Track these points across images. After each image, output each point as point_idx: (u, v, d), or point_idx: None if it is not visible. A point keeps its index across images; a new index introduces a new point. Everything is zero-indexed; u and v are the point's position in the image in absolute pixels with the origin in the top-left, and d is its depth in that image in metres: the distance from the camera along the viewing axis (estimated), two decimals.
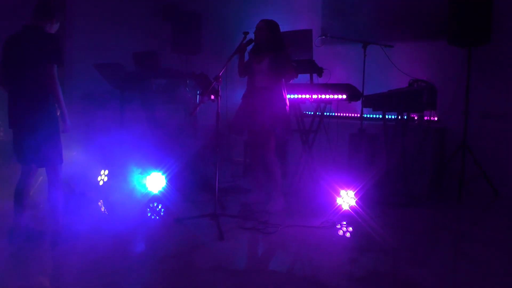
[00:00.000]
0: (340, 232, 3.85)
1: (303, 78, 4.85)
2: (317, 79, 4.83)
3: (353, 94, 4.58)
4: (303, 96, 4.76)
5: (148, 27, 7.09)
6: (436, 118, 5.23)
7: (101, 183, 5.08)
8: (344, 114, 5.46)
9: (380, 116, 4.94)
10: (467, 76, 4.85)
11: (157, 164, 4.94)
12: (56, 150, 3.38)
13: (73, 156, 4.67)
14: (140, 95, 5.14)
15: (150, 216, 4.33)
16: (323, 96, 4.65)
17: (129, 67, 5.31)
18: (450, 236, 3.93)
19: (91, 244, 3.41)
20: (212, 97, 3.63)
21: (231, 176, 5.57)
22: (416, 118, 5.08)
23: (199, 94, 4.92)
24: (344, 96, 4.54)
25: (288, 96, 4.37)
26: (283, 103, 4.23)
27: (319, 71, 4.80)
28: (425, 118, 5.12)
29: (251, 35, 4.09)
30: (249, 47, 4.16)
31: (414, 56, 5.21)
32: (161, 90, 5.16)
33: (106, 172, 5.10)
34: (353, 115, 5.42)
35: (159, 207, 4.59)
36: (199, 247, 3.43)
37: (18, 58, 3.28)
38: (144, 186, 4.76)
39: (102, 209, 4.51)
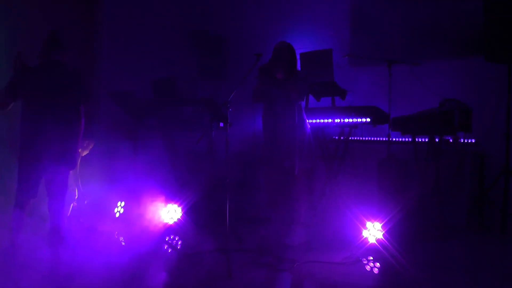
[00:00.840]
0: (367, 268, 3.48)
1: (325, 101, 4.58)
2: (339, 102, 4.54)
3: (379, 116, 4.26)
4: (325, 120, 4.47)
5: (178, 54, 7.03)
6: (473, 141, 4.78)
7: (117, 215, 4.93)
8: (371, 138, 5.10)
9: (410, 140, 4.56)
10: (508, 95, 4.42)
11: (174, 194, 4.79)
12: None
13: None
14: (158, 123, 5.00)
15: (165, 249, 4.11)
16: (346, 120, 4.34)
17: (149, 94, 5.23)
18: (492, 275, 3.44)
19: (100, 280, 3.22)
20: (222, 124, 3.41)
21: (253, 204, 5.29)
22: (451, 141, 4.67)
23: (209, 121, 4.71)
24: (369, 120, 4.22)
25: (308, 120, 4.11)
26: (305, 128, 3.99)
27: (342, 93, 4.52)
28: (461, 140, 4.69)
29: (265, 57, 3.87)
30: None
31: (445, 74, 4.83)
32: (179, 118, 5.01)
33: (123, 203, 4.95)
34: (380, 139, 5.04)
35: (176, 239, 4.38)
36: (204, 286, 3.15)
37: (44, 93, 3.40)
38: (160, 217, 4.60)
39: (120, 241, 4.34)
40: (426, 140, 4.45)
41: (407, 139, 4.82)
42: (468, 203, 4.50)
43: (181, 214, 4.64)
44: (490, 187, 4.56)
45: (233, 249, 3.57)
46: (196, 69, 6.68)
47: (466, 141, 4.68)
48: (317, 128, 4.61)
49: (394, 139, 4.72)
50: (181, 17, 6.93)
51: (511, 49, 4.28)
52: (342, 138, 4.66)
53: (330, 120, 4.49)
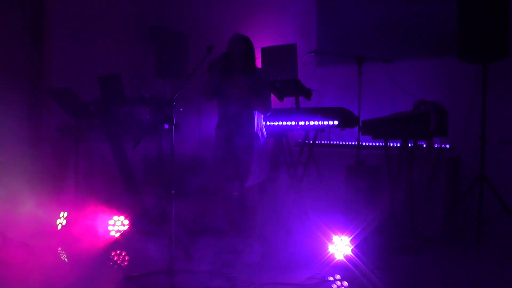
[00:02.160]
0: (334, 287, 3.07)
1: (288, 101, 4.15)
2: (304, 103, 4.13)
3: (348, 119, 3.86)
4: (288, 123, 4.04)
5: (134, 51, 6.52)
6: (448, 146, 4.45)
7: (59, 226, 4.38)
8: (339, 143, 4.68)
9: (382, 145, 4.18)
10: (483, 96, 4.11)
11: (121, 204, 4.31)
12: None
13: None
14: (103, 125, 4.47)
15: (110, 265, 3.63)
16: (311, 123, 3.93)
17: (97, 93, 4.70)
18: None
19: None
20: (166, 126, 2.93)
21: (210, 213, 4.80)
22: (424, 146, 4.32)
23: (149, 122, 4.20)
24: (336, 122, 3.82)
25: (268, 123, 3.68)
26: (259, 133, 3.56)
27: (307, 93, 4.11)
28: (436, 145, 4.36)
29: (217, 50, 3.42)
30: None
31: (418, 75, 4.48)
32: (128, 119, 4.49)
33: (66, 214, 4.41)
34: (349, 143, 4.63)
35: (123, 254, 3.88)
36: None
37: None
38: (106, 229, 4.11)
39: (61, 256, 3.82)
40: (399, 145, 4.09)
41: (378, 144, 4.45)
42: (442, 212, 4.16)
43: (128, 226, 4.17)
44: (464, 194, 4.24)
45: (180, 270, 3.09)
46: (153, 67, 6.18)
47: (441, 146, 4.34)
48: (279, 131, 4.19)
49: (364, 144, 4.33)
50: (137, 12, 6.45)
51: (486, 49, 3.97)
52: (307, 142, 4.25)
53: (294, 123, 4.07)
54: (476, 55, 4.03)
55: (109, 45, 5.98)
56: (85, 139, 4.58)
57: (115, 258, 3.81)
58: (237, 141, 3.52)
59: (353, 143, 4.38)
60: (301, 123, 3.98)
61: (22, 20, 5.38)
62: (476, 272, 3.46)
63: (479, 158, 4.10)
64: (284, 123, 4.11)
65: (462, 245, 4.02)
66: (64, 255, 3.85)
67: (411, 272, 3.40)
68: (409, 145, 4.03)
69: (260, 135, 3.60)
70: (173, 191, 2.95)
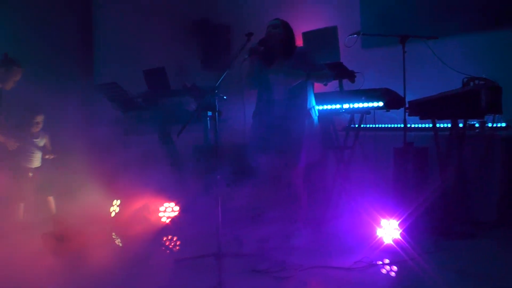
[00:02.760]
0: (383, 272, 3.02)
1: (331, 85, 4.08)
2: (348, 86, 4.06)
3: (393, 100, 3.76)
4: (333, 106, 3.99)
5: (179, 44, 6.64)
6: (504, 125, 4.22)
7: (113, 214, 4.57)
8: (385, 125, 4.55)
9: (430, 126, 4.04)
10: None
11: (173, 192, 4.44)
12: None
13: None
14: (151, 116, 4.60)
15: (162, 250, 3.77)
16: (356, 105, 3.86)
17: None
18: None
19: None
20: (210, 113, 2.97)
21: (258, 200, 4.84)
22: (477, 125, 4.12)
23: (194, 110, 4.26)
24: (381, 104, 3.73)
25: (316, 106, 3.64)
26: (311, 112, 3.53)
27: (351, 76, 4.04)
28: (489, 124, 4.15)
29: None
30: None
31: (468, 50, 4.24)
32: (172, 110, 4.60)
33: (119, 202, 4.59)
34: (396, 125, 4.49)
35: (174, 239, 4.01)
36: None
37: None
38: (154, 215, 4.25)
39: (117, 242, 4.00)
40: (449, 126, 3.93)
41: (426, 125, 4.29)
42: (499, 194, 3.96)
43: (178, 213, 4.29)
44: None
45: (228, 254, 3.14)
46: (198, 59, 6.29)
47: (495, 125, 4.12)
48: (324, 115, 4.14)
49: (411, 125, 4.20)
50: (180, 6, 6.53)
51: None
52: (352, 125, 4.18)
53: (338, 106, 4.02)
54: None
55: (153, 39, 6.13)
56: (134, 131, 4.75)
57: (167, 243, 3.94)
58: (286, 123, 3.48)
59: (400, 126, 4.26)
60: (346, 106, 3.92)
61: (73, 17, 5.63)
62: None
63: None
64: (329, 107, 4.07)
65: None
66: (118, 239, 4.02)
67: (464, 257, 3.27)
68: (460, 125, 3.87)
69: (312, 113, 3.56)
70: (218, 176, 2.99)
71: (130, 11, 6.02)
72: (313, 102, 3.62)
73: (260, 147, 3.58)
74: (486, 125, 4.09)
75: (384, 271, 3.07)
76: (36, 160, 4.40)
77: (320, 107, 4.03)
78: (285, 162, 3.54)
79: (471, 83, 3.70)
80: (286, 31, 3.56)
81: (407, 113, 3.85)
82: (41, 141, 4.41)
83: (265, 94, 3.61)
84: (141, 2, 6.09)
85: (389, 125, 4.46)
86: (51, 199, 4.37)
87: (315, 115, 3.59)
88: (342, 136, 4.32)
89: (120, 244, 3.93)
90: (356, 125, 4.20)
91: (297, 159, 3.49)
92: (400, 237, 3.28)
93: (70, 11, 5.70)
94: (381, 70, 4.58)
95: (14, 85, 4.02)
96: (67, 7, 5.66)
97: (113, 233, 4.16)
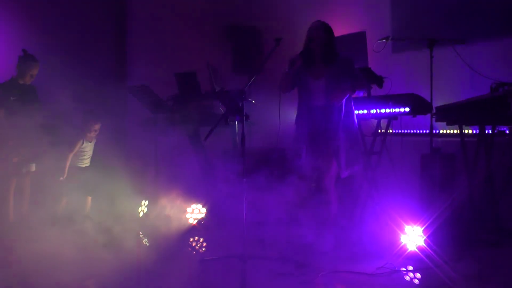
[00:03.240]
0: (406, 279, 3.03)
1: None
2: (376, 91, 4.08)
3: (419, 105, 3.76)
4: (360, 111, 4.02)
5: (211, 48, 6.75)
6: None
7: (140, 214, 4.72)
8: (412, 131, 4.54)
9: (457, 132, 4.01)
10: None
11: (199, 193, 4.54)
12: None
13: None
14: (182, 119, 4.73)
15: (189, 251, 3.88)
16: (383, 110, 3.87)
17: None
18: None
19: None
20: (238, 117, 3.06)
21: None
22: (506, 132, 4.06)
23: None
24: (408, 109, 3.73)
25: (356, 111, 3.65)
26: (351, 120, 3.55)
27: (379, 81, 4.05)
28: None
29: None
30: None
31: (496, 55, 4.20)
32: (202, 113, 4.72)
33: (147, 202, 4.74)
34: (423, 131, 4.47)
35: (200, 240, 4.11)
36: None
37: None
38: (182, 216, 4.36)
39: (143, 241, 4.14)
40: (476, 132, 3.90)
41: (453, 131, 4.26)
42: None
43: (205, 214, 4.39)
44: None
45: (252, 256, 3.22)
46: (230, 63, 6.37)
47: None
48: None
49: (438, 131, 4.18)
50: (212, 10, 6.64)
51: None
52: (379, 131, 4.19)
53: (365, 111, 4.04)
54: None
55: (186, 43, 6.26)
56: (165, 133, 4.88)
57: (193, 244, 4.04)
58: (325, 132, 3.51)
59: (426, 131, 4.24)
60: (373, 111, 3.94)
61: (108, 22, 5.82)
62: None
63: None
64: (356, 112, 4.08)
65: None
66: (145, 239, 4.15)
67: (490, 265, 3.24)
68: (488, 131, 3.83)
69: (353, 119, 3.57)
70: (244, 179, 3.07)
71: (163, 15, 6.17)
72: (353, 110, 3.61)
73: (302, 150, 3.60)
74: None
75: (408, 277, 3.08)
76: (86, 161, 4.60)
77: None
78: (323, 168, 3.57)
79: (500, 89, 3.66)
80: (329, 34, 3.51)
81: (434, 119, 3.84)
82: (93, 145, 4.61)
83: (305, 100, 3.60)
84: (175, 7, 6.24)
85: (416, 131, 4.45)
86: (89, 199, 4.56)
87: (353, 125, 3.57)
88: (369, 141, 4.33)
89: (147, 244, 4.06)
90: (383, 130, 4.20)
91: (333, 165, 3.51)
92: (424, 244, 3.27)
93: (106, 15, 5.90)
94: (410, 74, 4.57)
95: (31, 79, 4.20)
96: (103, 12, 5.86)
97: (140, 233, 4.29)
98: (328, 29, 3.52)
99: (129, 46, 6.21)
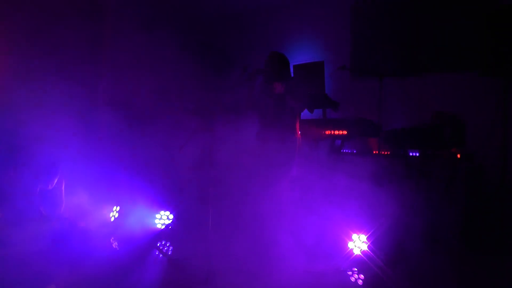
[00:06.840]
0: (352, 280, 3.45)
1: (317, 112, 4.60)
2: (330, 114, 4.56)
3: (368, 128, 4.25)
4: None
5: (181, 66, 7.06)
6: (469, 154, 4.69)
7: (112, 219, 4.99)
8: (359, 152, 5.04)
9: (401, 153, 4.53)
10: (503, 109, 4.34)
11: (167, 201, 4.85)
12: None
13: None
14: (156, 131, 5.08)
15: (156, 254, 4.17)
16: (336, 132, 4.35)
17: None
18: None
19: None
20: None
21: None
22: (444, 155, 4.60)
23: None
24: (357, 132, 4.22)
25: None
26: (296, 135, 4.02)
27: (334, 105, 4.53)
28: (457, 155, 4.62)
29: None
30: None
31: (441, 88, 4.78)
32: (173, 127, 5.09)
33: (118, 208, 5.02)
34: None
35: (167, 245, 4.42)
36: None
37: None
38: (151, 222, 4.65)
39: (113, 245, 4.41)
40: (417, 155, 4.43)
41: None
42: (462, 219, 4.41)
43: (172, 220, 4.71)
44: (485, 203, 4.46)
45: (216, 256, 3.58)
46: (199, 80, 6.71)
47: (461, 155, 4.60)
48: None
49: (384, 153, 4.69)
50: (185, 30, 6.99)
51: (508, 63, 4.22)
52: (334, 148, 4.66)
53: (322, 132, 4.50)
54: (499, 70, 4.27)
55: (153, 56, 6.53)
56: (138, 145, 5.20)
57: (161, 247, 4.35)
58: (279, 144, 3.95)
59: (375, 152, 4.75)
60: (327, 132, 4.40)
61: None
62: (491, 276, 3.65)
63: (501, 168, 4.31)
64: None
65: (482, 253, 4.18)
66: (116, 243, 4.43)
67: (425, 267, 3.69)
68: (425, 154, 4.35)
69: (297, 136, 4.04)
70: (210, 188, 3.45)
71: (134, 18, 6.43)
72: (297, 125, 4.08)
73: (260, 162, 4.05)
74: (453, 154, 4.57)
75: (353, 278, 3.49)
76: None
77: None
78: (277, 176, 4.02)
79: (438, 119, 4.20)
80: (281, 62, 4.02)
81: (381, 141, 4.33)
82: None
83: (262, 118, 4.09)
84: (146, 16, 6.50)
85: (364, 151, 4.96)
86: None
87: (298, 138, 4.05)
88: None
89: (117, 247, 4.34)
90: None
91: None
92: (367, 249, 3.70)
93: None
94: (364, 100, 5.08)
95: None
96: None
97: (112, 237, 4.56)
98: (281, 58, 4.03)
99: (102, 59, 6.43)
